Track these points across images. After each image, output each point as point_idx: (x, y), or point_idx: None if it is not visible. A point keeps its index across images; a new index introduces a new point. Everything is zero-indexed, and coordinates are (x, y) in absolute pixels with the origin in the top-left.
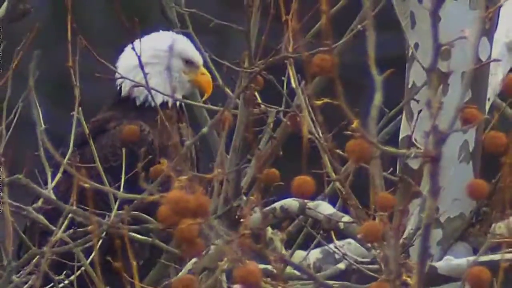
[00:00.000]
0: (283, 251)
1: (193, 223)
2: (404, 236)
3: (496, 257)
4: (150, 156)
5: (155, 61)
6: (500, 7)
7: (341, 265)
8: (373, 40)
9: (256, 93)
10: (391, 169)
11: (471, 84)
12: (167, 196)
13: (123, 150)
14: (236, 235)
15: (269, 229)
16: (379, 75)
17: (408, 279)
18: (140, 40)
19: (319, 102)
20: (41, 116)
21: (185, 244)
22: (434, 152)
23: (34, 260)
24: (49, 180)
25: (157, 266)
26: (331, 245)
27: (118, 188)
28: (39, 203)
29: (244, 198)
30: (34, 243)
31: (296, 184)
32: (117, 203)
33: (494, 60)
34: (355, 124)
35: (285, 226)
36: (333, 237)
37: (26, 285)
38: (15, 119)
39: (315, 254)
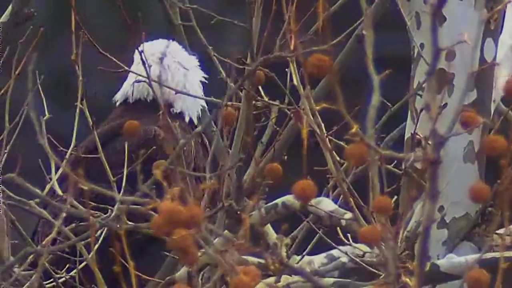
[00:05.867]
0: (285, 256)
1: (186, 234)
2: (408, 229)
3: (497, 255)
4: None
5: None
6: (505, 8)
7: (344, 259)
8: (371, 41)
9: (258, 88)
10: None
11: (477, 85)
12: (160, 207)
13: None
14: (235, 235)
15: (274, 234)
16: (379, 75)
17: (408, 281)
18: (142, 39)
19: (318, 107)
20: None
21: (179, 254)
22: (434, 156)
23: (30, 258)
24: (53, 173)
25: (165, 264)
26: (335, 250)
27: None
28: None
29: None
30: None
31: (298, 188)
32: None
33: (493, 64)
34: (355, 128)
35: (285, 229)
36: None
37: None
38: (20, 121)
39: (320, 259)
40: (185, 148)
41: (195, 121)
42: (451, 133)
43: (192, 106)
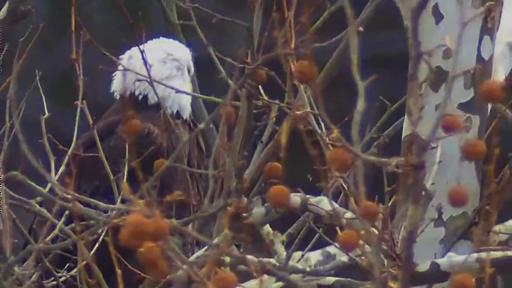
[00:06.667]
0: (283, 253)
1: (154, 246)
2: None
3: (497, 254)
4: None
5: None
6: (502, 5)
7: (344, 258)
8: (356, 45)
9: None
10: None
11: (474, 84)
12: (126, 220)
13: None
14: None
15: (270, 231)
16: (376, 74)
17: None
18: (142, 39)
19: (299, 112)
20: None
21: (148, 266)
22: (416, 160)
23: (32, 257)
24: (53, 173)
25: None
26: (331, 247)
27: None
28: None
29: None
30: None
31: (271, 194)
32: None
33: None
34: (335, 133)
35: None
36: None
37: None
38: (18, 117)
39: (316, 255)
40: (173, 139)
41: (174, 113)
42: (433, 137)
43: (168, 98)
